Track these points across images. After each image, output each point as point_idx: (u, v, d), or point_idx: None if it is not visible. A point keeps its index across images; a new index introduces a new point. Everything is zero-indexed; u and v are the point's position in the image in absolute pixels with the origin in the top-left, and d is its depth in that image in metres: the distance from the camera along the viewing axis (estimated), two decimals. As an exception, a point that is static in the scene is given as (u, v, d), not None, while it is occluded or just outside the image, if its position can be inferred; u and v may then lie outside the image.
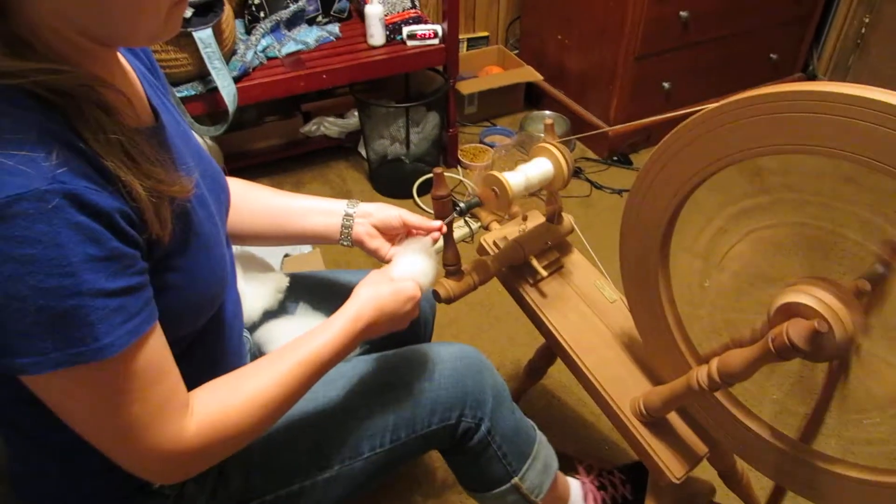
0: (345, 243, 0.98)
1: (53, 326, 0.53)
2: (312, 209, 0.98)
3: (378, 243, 0.96)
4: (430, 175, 2.34)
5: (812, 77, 2.88)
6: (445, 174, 0.90)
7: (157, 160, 0.62)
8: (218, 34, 1.77)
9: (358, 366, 0.95)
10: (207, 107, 1.88)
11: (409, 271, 0.87)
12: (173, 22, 0.60)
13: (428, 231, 0.93)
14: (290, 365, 0.73)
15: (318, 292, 1.10)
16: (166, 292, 0.65)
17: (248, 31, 2.08)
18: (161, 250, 0.63)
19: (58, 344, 0.53)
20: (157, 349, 0.62)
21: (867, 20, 2.63)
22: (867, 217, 0.74)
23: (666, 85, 2.46)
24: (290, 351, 0.75)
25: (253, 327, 1.00)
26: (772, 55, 2.66)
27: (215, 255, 0.75)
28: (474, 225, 2.10)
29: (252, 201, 0.97)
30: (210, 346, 0.81)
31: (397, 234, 0.97)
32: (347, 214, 0.97)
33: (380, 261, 0.97)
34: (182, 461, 0.65)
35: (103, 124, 0.57)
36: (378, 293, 0.82)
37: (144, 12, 0.57)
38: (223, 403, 0.68)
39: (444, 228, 0.93)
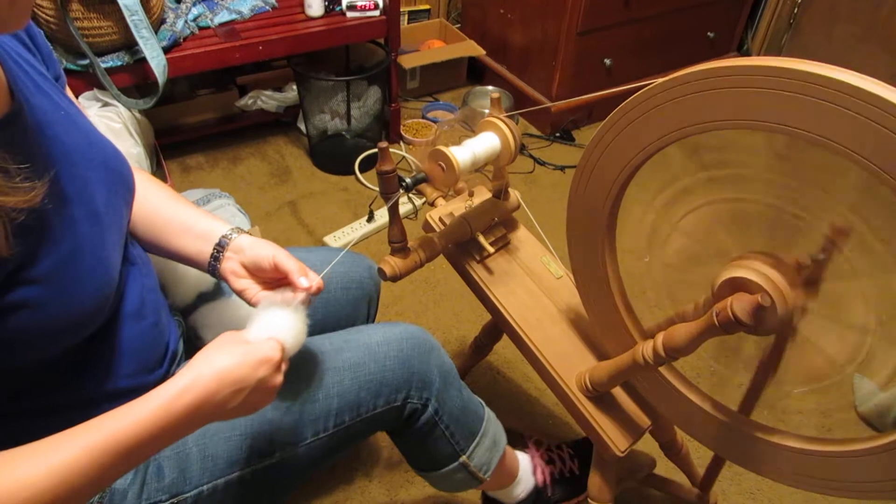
0: (213, 276, 0.86)
1: None
2: (190, 229, 0.86)
3: (244, 284, 0.83)
4: (372, 151, 2.31)
5: (747, 55, 2.94)
6: (389, 149, 0.87)
7: None
8: (145, 1, 1.68)
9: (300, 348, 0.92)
10: (135, 78, 1.78)
11: (268, 329, 0.73)
12: (20, 7, 0.52)
13: (297, 286, 0.79)
14: (75, 452, 0.58)
15: None
16: (22, 311, 0.59)
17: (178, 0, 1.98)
18: (4, 265, 0.56)
19: None
20: None
21: (799, 0, 2.70)
22: (806, 192, 0.75)
23: (607, 61, 2.47)
24: (84, 432, 0.60)
25: (186, 310, 0.96)
26: (709, 33, 2.70)
27: (91, 260, 0.66)
28: (418, 201, 2.07)
29: (137, 204, 0.84)
30: (103, 354, 0.74)
31: (271, 277, 0.84)
32: (219, 245, 0.85)
33: (247, 303, 0.85)
34: None
35: None
36: (220, 359, 0.66)
37: None
38: None
39: (314, 289, 0.79)
